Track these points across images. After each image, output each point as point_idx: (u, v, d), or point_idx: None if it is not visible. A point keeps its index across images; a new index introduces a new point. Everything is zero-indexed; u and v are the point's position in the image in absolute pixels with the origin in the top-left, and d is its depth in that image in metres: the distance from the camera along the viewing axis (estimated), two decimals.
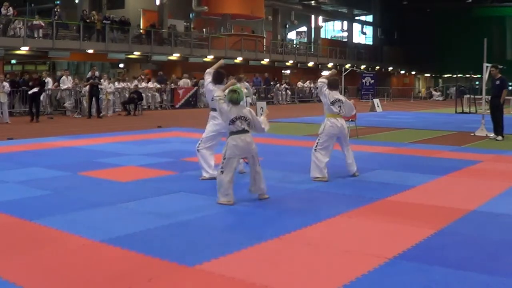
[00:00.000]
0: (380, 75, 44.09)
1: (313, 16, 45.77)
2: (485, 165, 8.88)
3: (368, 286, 3.60)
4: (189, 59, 30.39)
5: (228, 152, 5.87)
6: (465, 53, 40.26)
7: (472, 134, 13.82)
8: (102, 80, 20.27)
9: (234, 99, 5.84)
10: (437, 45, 51.67)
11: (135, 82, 23.35)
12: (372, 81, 37.75)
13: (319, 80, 7.95)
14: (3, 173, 7.65)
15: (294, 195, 6.45)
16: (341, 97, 7.67)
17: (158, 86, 25.34)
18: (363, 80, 37.90)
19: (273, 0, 38.61)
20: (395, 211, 5.66)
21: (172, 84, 25.99)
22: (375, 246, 4.45)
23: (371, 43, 53.88)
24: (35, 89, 17.14)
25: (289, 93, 33.51)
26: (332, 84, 7.78)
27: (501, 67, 13.39)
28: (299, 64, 39.24)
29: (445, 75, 52.81)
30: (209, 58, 31.41)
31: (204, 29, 34.62)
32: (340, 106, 7.54)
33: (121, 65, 29.86)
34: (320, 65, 41.70)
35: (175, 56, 29.59)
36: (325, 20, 48.82)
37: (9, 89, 17.32)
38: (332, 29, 53.40)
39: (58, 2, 28.49)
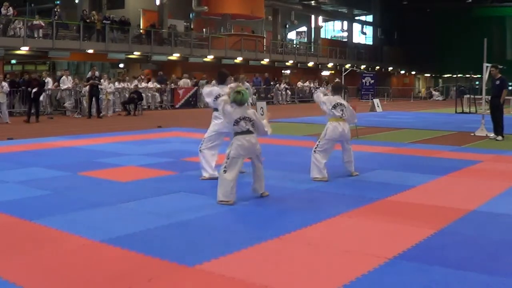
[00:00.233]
0: (380, 75, 44.11)
1: (313, 16, 45.77)
2: (485, 165, 8.87)
3: (368, 286, 3.60)
4: (189, 59, 30.41)
5: (233, 152, 5.89)
6: (465, 53, 40.28)
7: (472, 134, 13.82)
8: (102, 80, 20.28)
9: (238, 100, 5.90)
10: (437, 45, 51.69)
11: (135, 82, 23.36)
12: (372, 81, 37.77)
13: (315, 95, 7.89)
14: (3, 173, 7.65)
15: (294, 195, 6.45)
16: (344, 102, 7.68)
17: (158, 86, 25.35)
18: (363, 80, 37.92)
19: (273, 0, 38.62)
20: (395, 211, 5.66)
21: (172, 84, 26.00)
22: (375, 246, 4.45)
23: (371, 43, 53.88)
24: (35, 89, 17.10)
25: (289, 93, 33.51)
26: (336, 88, 7.90)
27: (501, 67, 13.39)
28: (299, 64, 39.25)
29: (445, 75, 52.82)
30: (209, 58, 31.43)
31: (204, 29, 34.63)
32: (342, 110, 7.54)
33: (121, 65, 29.86)
34: (320, 65, 41.72)
35: (175, 56, 29.60)
36: (325, 20, 48.82)
37: (8, 89, 17.32)
38: (332, 29, 53.41)
39: (58, 2, 28.50)
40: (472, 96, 24.80)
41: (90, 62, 27.33)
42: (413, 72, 55.44)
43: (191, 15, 35.18)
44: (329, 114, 7.58)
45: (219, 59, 31.90)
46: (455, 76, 30.99)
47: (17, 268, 3.89)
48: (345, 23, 50.74)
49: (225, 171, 5.88)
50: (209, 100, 7.38)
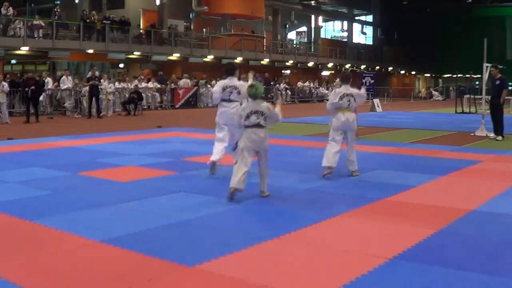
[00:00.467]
0: (380, 75, 44.11)
1: (313, 16, 45.77)
2: (485, 165, 8.88)
3: (368, 286, 3.60)
4: (189, 59, 30.41)
5: (242, 144, 6.13)
6: (465, 53, 40.28)
7: (472, 134, 13.82)
8: (102, 80, 20.27)
9: (252, 94, 6.11)
10: (437, 45, 51.70)
11: (135, 82, 23.37)
12: (372, 81, 37.78)
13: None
14: (3, 173, 7.65)
15: (294, 195, 6.45)
16: (350, 91, 7.66)
17: (158, 86, 25.35)
18: (363, 80, 37.90)
19: (273, 0, 38.61)
20: (395, 211, 5.66)
21: (172, 84, 26.00)
22: (375, 246, 4.45)
23: (371, 43, 53.88)
24: (32, 87, 16.93)
25: (289, 93, 33.52)
26: (343, 78, 7.94)
27: (501, 67, 13.39)
28: (299, 64, 39.25)
29: (445, 75, 52.84)
30: (209, 58, 31.43)
31: (204, 29, 34.63)
32: (349, 100, 7.58)
33: (121, 65, 29.86)
34: (320, 65, 41.72)
35: (175, 56, 29.60)
36: (325, 20, 48.82)
37: (8, 89, 17.31)
38: (332, 29, 53.42)
39: (58, 2, 28.49)
40: (472, 96, 24.80)
41: (90, 62, 27.32)
42: (413, 72, 55.44)
43: (191, 15, 35.18)
44: (336, 107, 7.64)
45: (219, 59, 31.91)
46: (455, 76, 30.99)
47: (17, 268, 3.89)
48: (345, 23, 50.74)
49: (235, 162, 6.13)
50: (217, 89, 7.66)
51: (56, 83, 20.96)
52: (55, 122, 17.28)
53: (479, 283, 3.67)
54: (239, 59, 33.27)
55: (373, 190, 6.65)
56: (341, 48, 45.47)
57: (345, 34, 51.03)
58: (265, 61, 35.67)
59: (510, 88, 15.00)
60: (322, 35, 48.39)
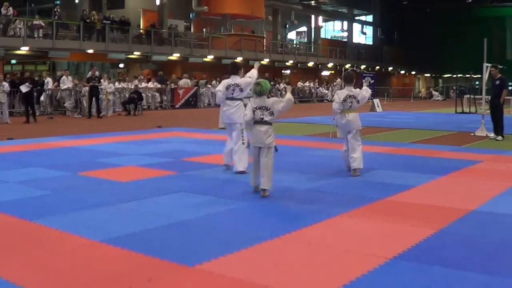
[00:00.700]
0: (380, 75, 44.07)
1: (313, 16, 45.77)
2: (485, 165, 8.87)
3: (368, 286, 3.60)
4: (189, 59, 30.41)
5: (250, 139, 6.58)
6: (465, 53, 40.29)
7: (472, 134, 13.82)
8: (102, 80, 20.27)
9: (257, 91, 6.35)
10: (437, 45, 51.71)
11: (135, 82, 23.37)
12: (372, 81, 37.69)
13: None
14: (3, 173, 7.65)
15: (294, 195, 6.45)
16: (353, 92, 7.70)
17: (159, 86, 25.35)
18: (363, 80, 37.86)
19: (273, 0, 38.61)
20: (395, 211, 5.66)
21: (172, 84, 26.00)
22: (375, 246, 4.45)
23: (371, 43, 53.88)
24: (26, 86, 16.68)
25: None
26: (347, 79, 8.02)
27: (501, 67, 13.39)
28: (299, 64, 39.26)
29: (445, 75, 52.84)
30: (209, 58, 31.43)
31: (204, 29, 34.63)
32: (351, 102, 7.66)
33: (121, 65, 29.86)
34: (320, 65, 41.72)
35: (175, 56, 29.60)
36: (325, 20, 48.81)
37: (9, 89, 17.31)
38: (332, 29, 53.40)
39: (58, 2, 28.50)
40: (472, 96, 24.80)
41: (90, 62, 27.32)
42: (413, 72, 55.44)
43: (191, 15, 35.18)
44: (340, 108, 7.72)
45: (219, 59, 31.91)
46: (455, 76, 31.00)
47: (17, 268, 3.89)
48: (345, 23, 50.73)
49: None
50: (220, 88, 7.86)
51: (56, 83, 20.97)
52: (55, 122, 17.28)
53: (479, 283, 3.67)
54: (239, 59, 33.20)
55: (373, 190, 6.65)
56: (341, 48, 45.48)
57: (345, 34, 51.02)
58: (265, 61, 35.66)
59: (510, 88, 15.01)
60: (322, 35, 48.38)
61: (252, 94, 6.67)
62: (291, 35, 48.68)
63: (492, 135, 13.10)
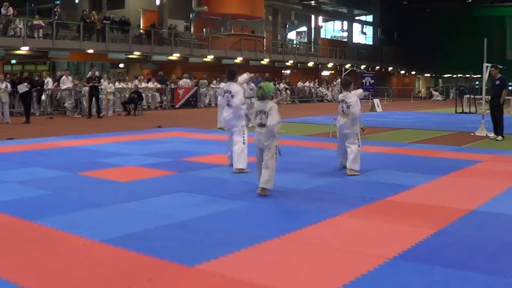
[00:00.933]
0: (380, 75, 44.08)
1: (313, 16, 45.77)
2: (485, 165, 8.88)
3: (368, 286, 3.60)
4: (189, 59, 30.41)
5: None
6: (465, 53, 40.29)
7: (472, 134, 13.83)
8: (102, 80, 20.27)
9: (259, 94, 6.49)
10: (437, 45, 51.67)
11: (135, 82, 23.36)
12: (372, 81, 37.74)
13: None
14: (3, 173, 7.65)
15: (294, 195, 6.45)
16: (349, 99, 7.80)
17: (159, 86, 25.35)
18: (363, 80, 37.85)
19: (273, 0, 38.60)
20: (395, 211, 5.66)
21: (172, 84, 26.00)
22: (375, 246, 4.45)
23: (371, 43, 53.88)
24: (25, 86, 16.67)
25: (289, 93, 33.51)
26: (343, 84, 8.21)
27: (501, 67, 13.40)
28: (299, 64, 39.25)
29: (445, 75, 52.83)
30: (209, 58, 31.42)
31: (204, 29, 34.61)
32: (343, 106, 7.86)
33: (121, 65, 29.85)
34: (320, 65, 41.71)
35: (175, 56, 29.60)
36: (325, 20, 48.80)
37: (11, 89, 17.31)
38: (332, 29, 53.39)
39: (58, 2, 28.45)
40: (472, 96, 24.81)
41: (90, 62, 27.31)
42: (413, 72, 55.43)
43: (191, 15, 35.17)
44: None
45: (219, 59, 31.91)
46: (455, 76, 31.01)
47: (17, 268, 3.89)
48: (345, 23, 50.73)
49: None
50: (220, 92, 8.35)
51: (56, 83, 20.97)
52: (55, 122, 17.28)
53: (479, 283, 3.67)
54: (239, 59, 33.27)
55: (373, 190, 6.66)
56: (341, 48, 45.47)
57: (345, 34, 51.02)
58: (265, 61, 35.67)
59: (510, 88, 15.01)
60: (322, 35, 48.38)
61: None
62: (291, 35, 48.66)
63: (492, 135, 13.10)
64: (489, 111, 13.53)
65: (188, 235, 4.73)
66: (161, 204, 5.90)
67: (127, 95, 22.07)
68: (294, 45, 44.30)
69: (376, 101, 26.39)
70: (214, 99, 26.68)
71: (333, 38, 51.99)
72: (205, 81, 27.80)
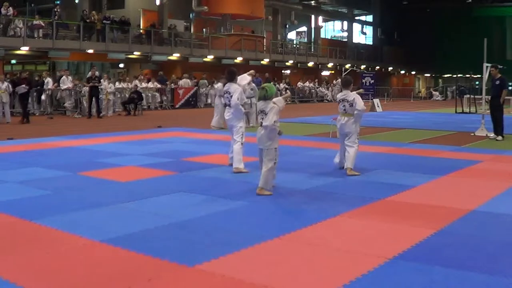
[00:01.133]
0: (380, 75, 44.12)
1: (313, 16, 45.77)
2: (485, 165, 8.88)
3: (368, 286, 3.60)
4: (189, 59, 30.41)
5: None
6: (465, 53, 40.31)
7: (472, 134, 13.83)
8: (102, 80, 20.27)
9: (261, 95, 6.58)
10: (437, 45, 51.69)
11: (136, 82, 23.36)
12: (372, 81, 37.77)
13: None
14: (3, 173, 7.65)
15: (294, 195, 6.45)
16: (350, 97, 7.81)
17: (159, 86, 25.35)
18: (363, 80, 37.89)
19: (273, 0, 38.61)
20: (395, 211, 5.66)
21: (172, 84, 26.00)
22: (375, 246, 4.45)
23: (371, 43, 53.88)
24: (23, 87, 16.68)
25: (289, 93, 33.48)
26: (344, 83, 8.21)
27: (501, 67, 13.40)
28: (299, 64, 39.26)
29: (445, 75, 52.84)
30: (209, 58, 31.43)
31: (204, 29, 34.61)
32: (344, 105, 7.87)
33: (121, 65, 29.86)
34: (320, 65, 41.72)
35: (175, 56, 29.60)
36: (325, 20, 48.80)
37: (11, 89, 17.31)
38: (332, 29, 53.40)
39: (58, 2, 28.46)
40: (472, 96, 24.81)
41: (90, 62, 27.32)
42: (413, 72, 55.44)
43: (191, 15, 35.18)
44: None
45: (219, 59, 31.91)
46: (455, 76, 31.02)
47: (17, 268, 3.89)
48: (345, 23, 50.73)
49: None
50: (218, 93, 8.29)
51: (56, 83, 20.97)
52: (55, 122, 17.28)
53: (479, 283, 3.67)
54: (239, 59, 33.26)
55: (373, 190, 6.66)
56: (341, 48, 45.47)
57: (345, 34, 51.02)
58: (265, 61, 35.67)
59: (510, 88, 15.01)
60: (322, 35, 48.39)
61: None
62: (291, 35, 48.67)
63: (492, 135, 13.10)
64: (489, 111, 13.53)
65: (188, 235, 4.73)
66: (161, 204, 5.90)
67: (127, 95, 22.07)
68: (294, 45, 44.31)
69: (376, 101, 26.40)
70: (214, 99, 26.67)
71: (333, 38, 52.00)
72: (205, 81, 27.79)
